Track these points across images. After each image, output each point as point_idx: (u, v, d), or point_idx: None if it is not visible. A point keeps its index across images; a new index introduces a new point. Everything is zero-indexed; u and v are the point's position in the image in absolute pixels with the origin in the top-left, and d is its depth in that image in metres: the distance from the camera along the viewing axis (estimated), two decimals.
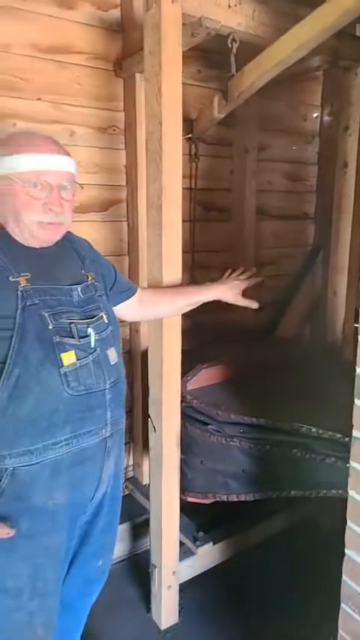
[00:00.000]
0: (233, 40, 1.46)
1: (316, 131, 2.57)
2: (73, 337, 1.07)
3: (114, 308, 1.29)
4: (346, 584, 1.08)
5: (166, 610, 1.76)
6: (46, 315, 1.04)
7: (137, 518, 2.10)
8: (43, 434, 1.03)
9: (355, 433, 1.00)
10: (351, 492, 1.03)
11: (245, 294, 1.54)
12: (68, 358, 1.05)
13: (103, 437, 1.14)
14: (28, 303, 1.03)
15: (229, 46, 1.47)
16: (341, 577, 1.09)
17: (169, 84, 1.31)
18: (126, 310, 1.38)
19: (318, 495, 1.48)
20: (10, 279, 1.03)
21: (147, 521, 2.09)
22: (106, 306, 1.21)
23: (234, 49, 1.47)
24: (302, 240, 2.66)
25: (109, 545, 1.35)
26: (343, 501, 2.21)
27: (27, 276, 1.05)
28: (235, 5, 1.42)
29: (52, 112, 1.75)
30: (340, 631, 1.12)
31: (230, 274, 1.56)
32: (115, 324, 1.23)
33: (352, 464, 1.02)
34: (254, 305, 1.52)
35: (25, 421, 1.02)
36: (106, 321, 1.17)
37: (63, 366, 1.04)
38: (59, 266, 1.15)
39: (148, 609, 1.81)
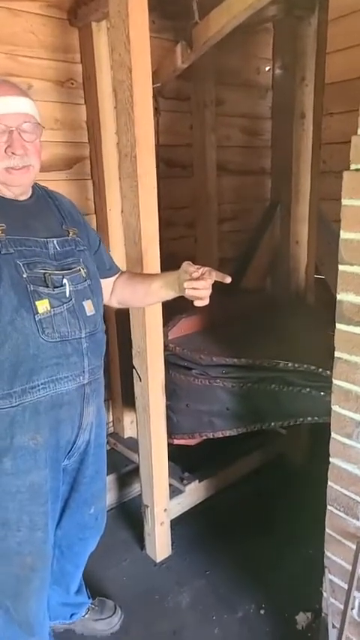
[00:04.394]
0: None
1: (269, 85, 2.61)
2: (47, 286, 1.10)
3: None
4: (332, 488, 1.23)
5: (160, 544, 1.88)
6: (20, 264, 1.07)
7: (122, 469, 2.21)
8: (22, 377, 1.08)
9: (337, 354, 1.11)
10: (334, 407, 1.16)
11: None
12: (42, 306, 1.09)
13: (81, 384, 1.19)
14: (2, 252, 1.06)
15: None
16: (326, 484, 1.24)
17: (137, 29, 1.30)
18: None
19: (296, 424, 1.63)
20: None
21: (132, 472, 2.20)
22: (86, 260, 1.23)
23: None
24: (260, 194, 2.74)
25: (98, 493, 1.42)
26: (312, 436, 2.43)
27: (2, 227, 1.07)
28: None
29: (7, 64, 1.69)
30: (327, 530, 1.28)
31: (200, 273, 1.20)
32: (95, 279, 1.25)
33: (335, 382, 1.14)
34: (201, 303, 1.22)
35: (4, 365, 1.07)
36: (84, 274, 1.20)
37: (37, 313, 1.08)
38: (36, 219, 1.17)
39: (142, 547, 1.94)
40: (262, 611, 1.65)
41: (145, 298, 1.41)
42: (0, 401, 1.08)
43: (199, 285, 1.15)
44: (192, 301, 1.21)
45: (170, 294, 1.31)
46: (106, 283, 1.36)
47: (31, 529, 1.19)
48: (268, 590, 1.72)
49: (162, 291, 1.32)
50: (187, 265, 1.20)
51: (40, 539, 1.22)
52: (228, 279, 1.16)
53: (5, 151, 1.07)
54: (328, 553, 1.30)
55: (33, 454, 1.15)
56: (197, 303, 1.19)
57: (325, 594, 1.34)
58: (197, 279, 1.15)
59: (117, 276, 1.42)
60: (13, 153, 1.07)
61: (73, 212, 1.30)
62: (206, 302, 1.19)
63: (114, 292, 1.41)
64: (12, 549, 1.19)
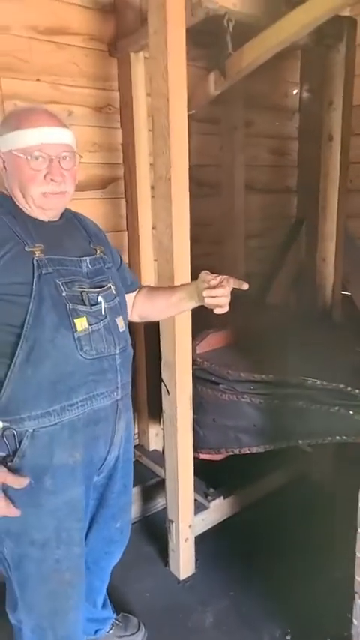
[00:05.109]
0: (229, 19, 1.53)
1: (296, 107, 2.68)
2: (84, 304, 1.12)
3: None
4: None
5: (184, 561, 1.88)
6: (59, 283, 1.10)
7: (147, 482, 2.23)
8: (60, 396, 1.10)
9: None
10: None
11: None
12: (81, 324, 1.11)
13: (115, 400, 1.21)
14: (43, 272, 1.08)
15: (226, 25, 1.54)
16: (357, 505, 1.23)
17: (174, 62, 1.37)
18: None
19: (324, 443, 1.62)
20: (26, 249, 1.09)
21: (156, 485, 2.22)
22: (113, 277, 1.26)
23: (230, 29, 1.54)
24: (285, 212, 2.79)
25: (125, 507, 1.42)
26: (338, 455, 2.39)
27: (41, 247, 1.10)
28: None
29: (51, 93, 1.80)
30: (358, 553, 1.26)
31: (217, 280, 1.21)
32: (122, 295, 1.28)
33: None
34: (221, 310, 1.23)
35: (43, 383, 1.08)
36: (114, 291, 1.22)
37: (77, 331, 1.10)
38: (68, 239, 1.20)
39: (166, 563, 1.94)
40: (288, 637, 1.63)
41: (165, 311, 1.43)
42: (39, 420, 1.09)
43: (218, 293, 1.17)
44: (217, 314, 1.23)
45: (190, 305, 1.34)
46: (128, 298, 1.38)
47: (68, 545, 1.19)
48: (294, 614, 1.69)
49: (182, 302, 1.35)
50: (205, 274, 1.22)
51: (77, 554, 1.22)
52: (245, 286, 1.18)
53: (44, 177, 1.11)
54: (358, 578, 1.28)
55: (72, 471, 1.16)
56: (217, 311, 1.21)
57: (355, 621, 1.31)
58: (215, 286, 1.17)
59: (137, 290, 1.44)
60: (52, 180, 1.12)
61: (97, 231, 1.33)
62: (226, 309, 1.20)
63: (135, 307, 1.43)
64: (51, 568, 1.18)
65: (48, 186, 1.12)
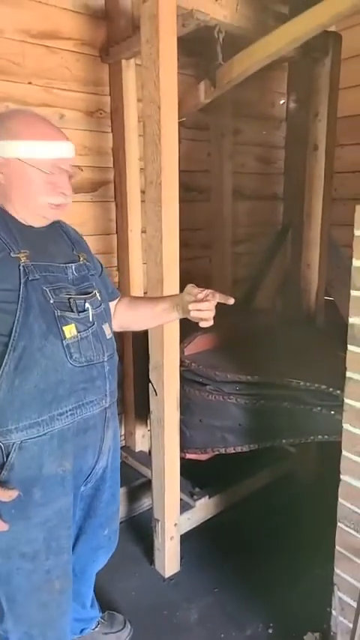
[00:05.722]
0: (219, 31, 1.58)
1: (283, 117, 2.75)
2: (72, 311, 1.11)
3: None
4: (342, 505, 1.26)
5: (169, 560, 1.91)
6: (47, 289, 1.08)
7: (133, 482, 2.24)
8: (50, 405, 1.08)
9: (348, 374, 1.18)
10: (345, 425, 1.21)
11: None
12: (69, 331, 1.09)
13: (104, 407, 1.20)
14: (30, 278, 1.06)
15: (216, 36, 1.58)
16: (337, 500, 1.28)
17: (166, 70, 1.42)
18: None
19: (307, 442, 1.68)
20: (12, 255, 1.06)
21: (142, 485, 2.24)
22: (98, 284, 1.25)
23: (220, 40, 1.59)
24: (272, 218, 2.85)
25: (113, 515, 1.41)
26: (321, 454, 2.46)
27: (26, 253, 1.08)
28: None
29: (43, 96, 1.82)
30: (337, 547, 1.31)
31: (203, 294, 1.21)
32: (107, 302, 1.28)
33: (347, 401, 1.19)
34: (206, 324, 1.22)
35: (32, 393, 1.06)
36: (99, 298, 1.22)
37: (65, 338, 1.09)
38: (53, 245, 1.19)
39: (152, 562, 1.96)
40: (270, 630, 1.67)
41: (148, 321, 1.44)
42: (27, 431, 1.07)
43: (204, 307, 1.17)
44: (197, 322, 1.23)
45: (174, 316, 1.33)
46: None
47: (57, 554, 1.18)
48: (276, 608, 1.73)
49: (165, 313, 1.34)
50: (190, 287, 1.22)
51: (66, 560, 1.22)
52: (231, 301, 1.19)
53: (54, 189, 1.11)
54: (337, 570, 1.33)
55: (61, 481, 1.14)
56: (202, 324, 1.20)
57: (334, 612, 1.36)
58: (201, 300, 1.17)
59: (117, 300, 1.42)
60: (62, 192, 1.12)
61: (79, 238, 1.32)
62: (211, 323, 1.20)
63: (115, 316, 1.40)
64: (41, 579, 1.17)
65: (58, 197, 1.12)
